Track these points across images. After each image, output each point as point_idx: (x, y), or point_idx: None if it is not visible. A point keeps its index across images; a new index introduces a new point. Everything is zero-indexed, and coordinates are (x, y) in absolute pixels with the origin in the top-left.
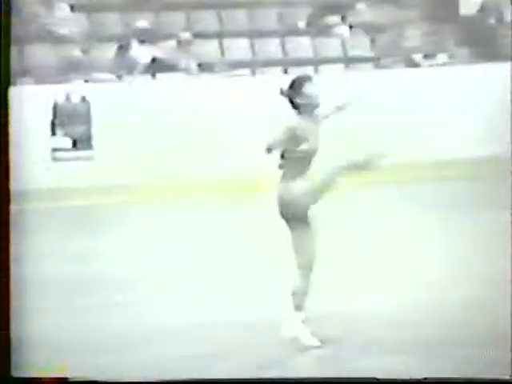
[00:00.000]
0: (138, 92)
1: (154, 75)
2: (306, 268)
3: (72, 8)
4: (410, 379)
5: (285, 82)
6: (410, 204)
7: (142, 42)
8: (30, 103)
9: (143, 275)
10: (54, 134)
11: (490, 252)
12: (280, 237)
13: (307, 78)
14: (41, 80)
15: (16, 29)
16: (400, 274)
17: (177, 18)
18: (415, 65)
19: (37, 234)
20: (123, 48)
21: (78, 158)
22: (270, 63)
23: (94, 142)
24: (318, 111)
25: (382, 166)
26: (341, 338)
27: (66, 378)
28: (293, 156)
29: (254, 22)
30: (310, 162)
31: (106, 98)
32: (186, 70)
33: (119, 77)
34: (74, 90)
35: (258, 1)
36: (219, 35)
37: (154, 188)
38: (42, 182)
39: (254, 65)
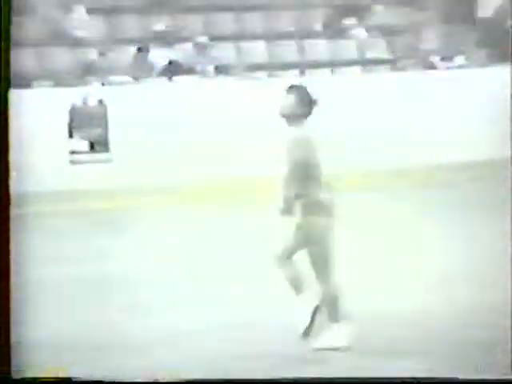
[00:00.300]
0: (155, 95)
1: (170, 78)
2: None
3: (89, 11)
4: (410, 378)
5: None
6: (416, 206)
7: (159, 44)
8: (48, 106)
9: (156, 276)
10: (71, 136)
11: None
12: None
13: (291, 88)
14: (58, 83)
15: (33, 32)
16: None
17: (194, 21)
18: (432, 67)
19: (53, 235)
20: (141, 51)
21: (94, 161)
22: (286, 66)
23: (111, 144)
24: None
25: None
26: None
27: (68, 378)
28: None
29: (270, 24)
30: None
31: (122, 100)
32: (203, 73)
33: (136, 79)
34: (91, 92)
35: (274, 3)
36: (236, 38)
37: (170, 190)
38: (59, 184)
39: (270, 67)
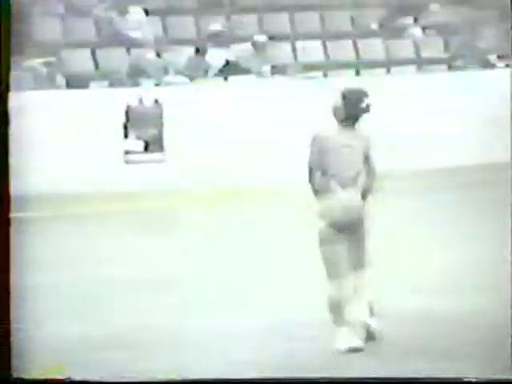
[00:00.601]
0: (210, 95)
1: (226, 78)
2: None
3: (146, 12)
4: (410, 378)
5: (357, 84)
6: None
7: (215, 45)
8: (104, 106)
9: (202, 276)
10: (126, 136)
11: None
12: None
13: (358, 92)
14: (114, 83)
15: (89, 33)
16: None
17: (250, 21)
18: (490, 66)
19: (103, 236)
20: (199, 51)
21: (149, 161)
22: (342, 65)
23: (166, 144)
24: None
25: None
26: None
27: (67, 379)
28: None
29: (326, 24)
30: (356, 171)
31: (178, 101)
32: (259, 73)
33: (192, 80)
34: (147, 93)
35: (330, 3)
36: (292, 37)
37: (224, 191)
38: (114, 184)
39: (326, 67)
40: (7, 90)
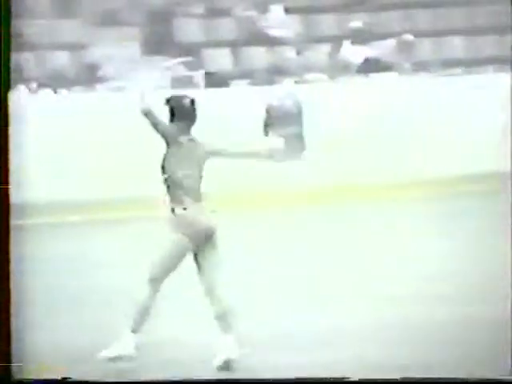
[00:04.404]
0: (351, 92)
1: (367, 75)
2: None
3: (286, 10)
4: (411, 378)
5: (497, 81)
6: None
7: (355, 42)
8: (244, 105)
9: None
10: (266, 134)
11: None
12: None
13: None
14: (254, 82)
15: (230, 32)
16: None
17: (390, 18)
18: None
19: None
20: (339, 49)
21: (290, 159)
22: (484, 62)
23: (307, 142)
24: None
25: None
26: None
27: (66, 379)
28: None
29: (468, 19)
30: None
31: (318, 98)
32: (400, 70)
33: (332, 78)
34: (287, 91)
35: None
36: (434, 34)
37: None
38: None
39: (467, 63)
40: (7, 90)
